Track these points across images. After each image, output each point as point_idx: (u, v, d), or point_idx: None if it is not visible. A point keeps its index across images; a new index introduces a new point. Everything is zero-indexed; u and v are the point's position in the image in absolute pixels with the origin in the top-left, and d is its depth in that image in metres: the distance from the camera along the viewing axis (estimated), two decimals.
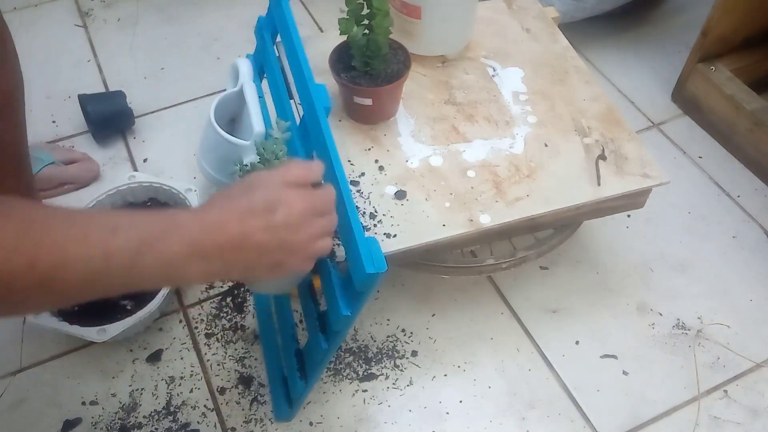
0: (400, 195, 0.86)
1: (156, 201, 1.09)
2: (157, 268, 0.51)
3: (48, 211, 0.50)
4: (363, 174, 0.88)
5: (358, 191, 0.86)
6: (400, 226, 0.83)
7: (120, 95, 1.24)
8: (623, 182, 0.89)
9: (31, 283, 0.45)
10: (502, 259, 0.95)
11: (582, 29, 1.42)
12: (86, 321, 0.94)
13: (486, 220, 0.84)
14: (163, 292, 0.96)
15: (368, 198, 0.86)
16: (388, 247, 0.81)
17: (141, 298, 0.97)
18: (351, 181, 0.87)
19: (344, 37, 0.90)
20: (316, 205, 0.61)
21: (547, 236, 0.98)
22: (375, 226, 0.83)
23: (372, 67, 0.87)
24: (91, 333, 0.92)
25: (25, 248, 0.45)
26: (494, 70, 1.02)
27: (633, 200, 0.92)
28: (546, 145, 0.93)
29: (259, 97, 1.00)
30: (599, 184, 0.88)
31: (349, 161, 0.89)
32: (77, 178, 1.15)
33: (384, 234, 0.82)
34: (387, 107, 0.94)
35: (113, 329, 0.92)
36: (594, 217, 0.94)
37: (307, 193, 0.61)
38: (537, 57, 1.04)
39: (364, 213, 0.84)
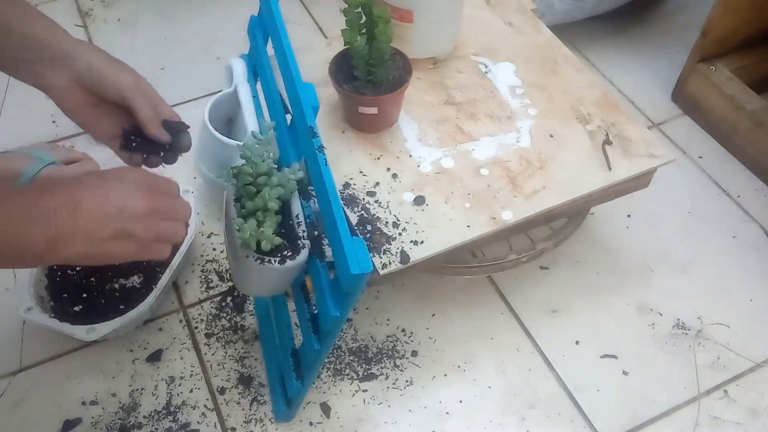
0: (419, 201, 0.86)
1: None
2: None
3: None
4: (378, 183, 0.88)
5: (376, 201, 0.86)
6: (425, 232, 0.83)
7: None
8: (632, 164, 0.91)
9: None
10: (523, 253, 0.96)
11: (582, 29, 1.42)
12: (79, 320, 0.94)
13: (508, 216, 0.84)
14: (154, 294, 0.96)
15: (388, 207, 0.85)
16: (418, 254, 0.81)
17: (133, 299, 0.97)
18: (367, 191, 0.87)
19: (340, 47, 0.89)
20: (161, 207, 0.61)
21: (561, 226, 0.99)
22: (400, 234, 0.82)
23: (374, 76, 0.87)
24: (80, 332, 0.92)
25: None
26: (486, 67, 1.02)
27: (640, 180, 0.94)
28: (551, 136, 0.93)
29: (254, 97, 1.00)
30: (610, 169, 0.89)
31: (360, 172, 0.89)
32: None
33: (411, 242, 0.82)
34: (391, 114, 0.94)
35: (102, 329, 0.92)
36: (604, 201, 0.95)
37: (157, 195, 0.61)
38: (524, 50, 1.05)
39: (387, 222, 0.83)
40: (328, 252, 0.74)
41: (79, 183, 0.58)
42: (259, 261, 0.70)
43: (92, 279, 1.01)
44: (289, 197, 0.75)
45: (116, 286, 1.00)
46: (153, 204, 0.60)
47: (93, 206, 0.56)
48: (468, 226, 0.83)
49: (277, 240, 0.71)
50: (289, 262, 0.71)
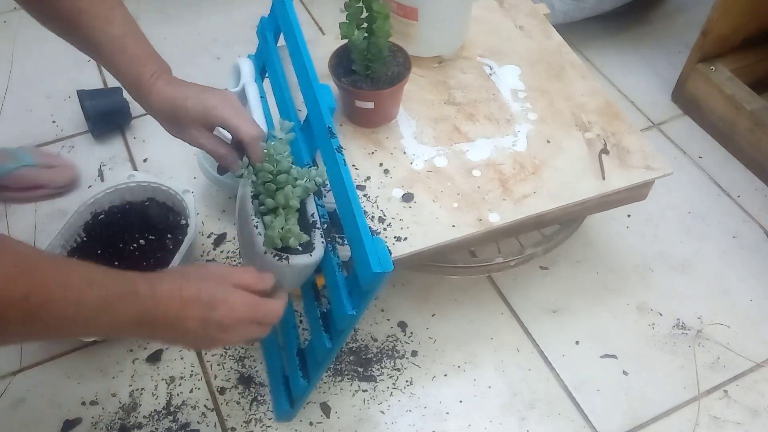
0: (407, 197, 0.86)
1: (154, 201, 1.09)
2: (108, 325, 0.59)
3: (39, 253, 0.58)
4: (368, 178, 0.88)
5: (365, 195, 0.86)
6: (409, 228, 0.83)
7: (118, 91, 1.24)
8: (627, 175, 0.90)
9: (20, 315, 0.51)
10: (511, 257, 0.96)
11: (582, 29, 1.42)
12: None
13: (495, 219, 0.84)
14: None
15: (376, 202, 0.85)
16: (399, 250, 0.81)
17: None
18: (357, 185, 0.87)
19: (342, 41, 0.89)
20: (257, 315, 0.68)
21: (553, 232, 0.99)
22: (384, 230, 0.82)
23: (373, 71, 0.87)
24: None
25: (23, 282, 0.51)
26: (491, 69, 1.02)
27: (636, 192, 0.93)
28: (548, 142, 0.93)
29: (261, 97, 1.01)
30: (604, 178, 0.89)
31: (353, 165, 0.89)
32: (51, 181, 1.15)
33: (394, 237, 0.82)
34: (388, 110, 0.93)
35: None
36: (598, 211, 0.95)
37: (252, 300, 0.68)
38: (532, 54, 1.04)
39: (373, 217, 0.84)
40: (342, 251, 0.75)
41: (188, 301, 0.64)
42: (277, 258, 0.71)
43: None
44: (306, 196, 0.76)
45: None
46: (249, 314, 0.68)
47: (188, 328, 0.64)
48: (453, 226, 0.83)
49: (305, 237, 0.71)
50: (308, 259, 0.72)
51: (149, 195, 1.09)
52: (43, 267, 0.54)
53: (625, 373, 0.99)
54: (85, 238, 1.04)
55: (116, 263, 1.01)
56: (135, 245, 1.04)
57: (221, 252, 1.09)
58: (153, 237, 1.05)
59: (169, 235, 1.05)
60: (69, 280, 0.55)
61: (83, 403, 0.94)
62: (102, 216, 1.06)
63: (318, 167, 0.78)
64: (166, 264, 0.99)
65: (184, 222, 1.06)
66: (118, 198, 1.08)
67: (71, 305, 0.54)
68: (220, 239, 1.11)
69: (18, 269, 0.51)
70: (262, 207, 0.74)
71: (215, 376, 0.96)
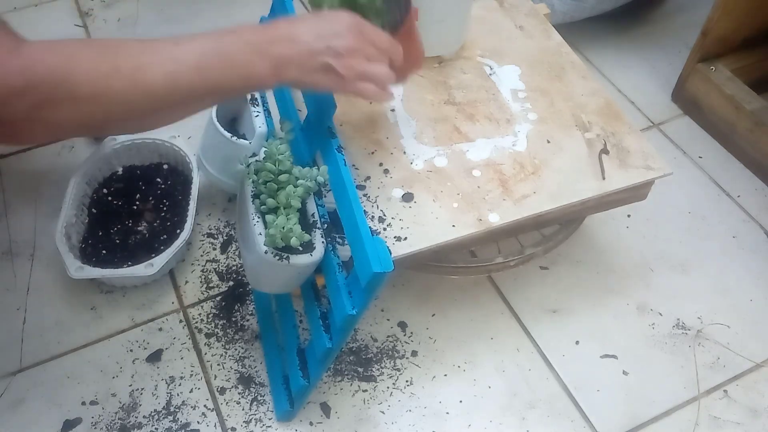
0: (407, 197, 0.86)
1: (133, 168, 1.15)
2: (222, 68, 0.62)
3: (115, 39, 0.66)
4: (368, 178, 0.88)
5: (365, 195, 0.86)
6: (409, 228, 0.83)
7: None
8: (627, 175, 0.90)
9: (122, 86, 0.58)
10: (510, 257, 0.96)
11: (582, 29, 1.42)
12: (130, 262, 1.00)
13: (495, 219, 0.84)
14: (190, 222, 1.02)
15: (375, 202, 0.85)
16: (399, 250, 0.80)
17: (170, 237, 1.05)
18: (357, 185, 0.87)
19: None
20: (365, 50, 0.68)
21: (553, 232, 0.99)
22: (384, 230, 0.82)
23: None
24: (139, 270, 0.97)
25: (107, 58, 0.58)
26: (491, 69, 1.02)
27: (636, 192, 0.93)
28: (548, 142, 0.93)
29: (261, 96, 1.01)
30: (604, 178, 0.89)
31: (353, 165, 0.89)
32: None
33: (394, 237, 0.82)
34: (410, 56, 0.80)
35: (159, 261, 0.98)
36: (598, 211, 0.95)
37: (364, 39, 0.69)
38: (532, 54, 1.04)
39: (373, 217, 0.84)
40: (342, 251, 0.75)
41: (298, 20, 0.69)
42: (278, 257, 0.71)
43: (117, 240, 1.06)
44: (307, 196, 0.77)
45: (138, 236, 1.07)
46: (357, 46, 0.68)
47: (305, 41, 0.66)
48: (453, 226, 0.83)
49: (306, 236, 0.72)
50: (308, 259, 0.73)
51: (132, 158, 1.15)
52: (123, 44, 0.61)
53: (625, 373, 0.99)
54: (94, 210, 1.10)
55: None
56: (139, 204, 1.11)
57: (222, 252, 1.09)
58: (162, 186, 1.13)
59: (179, 187, 1.12)
60: (153, 45, 0.61)
61: (83, 403, 0.94)
62: (107, 187, 1.13)
63: (318, 167, 0.78)
64: (185, 209, 1.06)
65: (181, 169, 1.13)
66: (107, 167, 1.14)
67: (168, 63, 0.60)
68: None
69: (99, 51, 0.59)
70: (263, 206, 0.74)
71: (215, 376, 0.96)
